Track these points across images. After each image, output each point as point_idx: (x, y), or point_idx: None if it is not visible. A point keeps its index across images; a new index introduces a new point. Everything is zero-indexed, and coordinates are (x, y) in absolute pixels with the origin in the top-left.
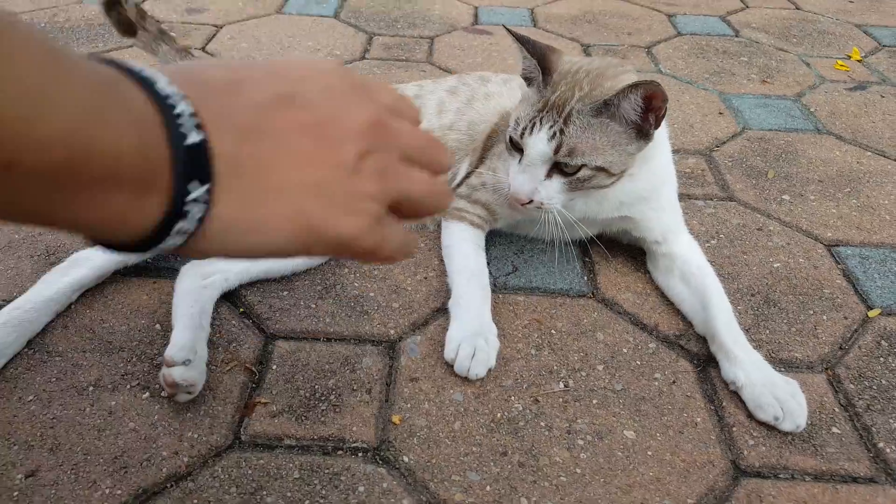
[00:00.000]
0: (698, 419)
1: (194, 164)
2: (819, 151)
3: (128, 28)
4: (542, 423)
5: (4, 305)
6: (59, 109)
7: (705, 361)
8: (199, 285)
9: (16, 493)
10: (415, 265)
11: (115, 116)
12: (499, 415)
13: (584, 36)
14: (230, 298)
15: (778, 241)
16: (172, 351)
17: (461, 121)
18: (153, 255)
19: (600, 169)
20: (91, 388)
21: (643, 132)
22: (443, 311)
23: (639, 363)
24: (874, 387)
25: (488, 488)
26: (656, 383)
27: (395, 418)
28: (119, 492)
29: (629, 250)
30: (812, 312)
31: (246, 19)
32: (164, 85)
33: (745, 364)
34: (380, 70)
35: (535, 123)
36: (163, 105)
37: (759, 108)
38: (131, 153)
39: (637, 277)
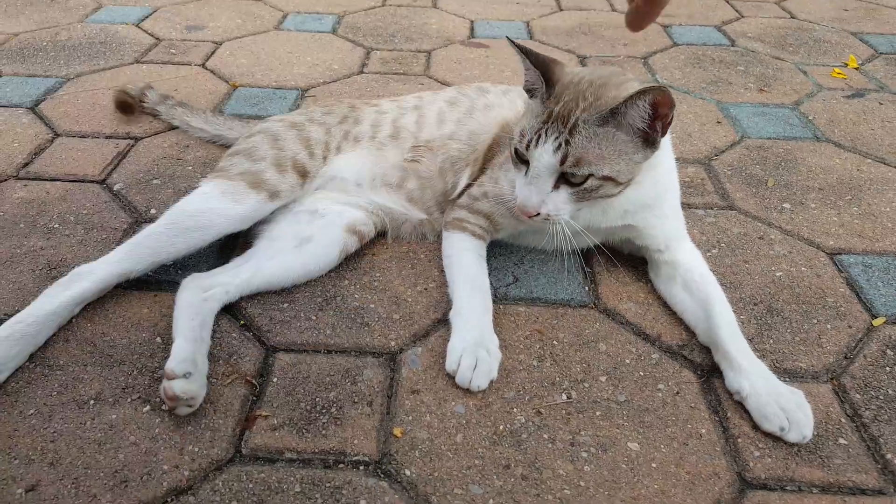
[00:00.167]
0: (703, 430)
1: None
2: (819, 159)
3: (126, 109)
4: (545, 436)
5: (6, 319)
6: None
7: (709, 371)
8: (199, 298)
9: None
10: (415, 276)
11: None
12: (501, 427)
13: (581, 47)
14: (231, 311)
15: (779, 249)
16: (173, 364)
17: (461, 131)
18: None
19: (607, 178)
20: (92, 402)
21: (649, 140)
22: (444, 323)
23: (642, 374)
24: (881, 396)
25: (491, 502)
26: (660, 394)
27: (397, 431)
28: None
29: (631, 260)
30: (816, 321)
31: (244, 36)
32: None
33: (749, 374)
34: (378, 84)
35: (540, 135)
36: None
37: (757, 116)
38: None
39: (639, 287)
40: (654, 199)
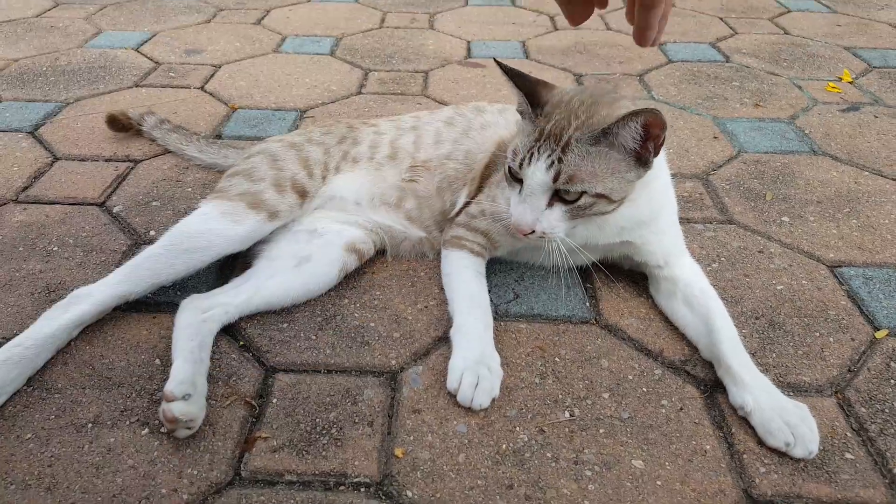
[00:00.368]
0: (707, 447)
1: None
2: (816, 172)
3: (117, 126)
4: (549, 454)
5: (5, 343)
6: None
7: (712, 387)
8: (198, 319)
9: None
10: (415, 294)
11: None
12: (504, 446)
13: (577, 66)
14: (230, 332)
15: (780, 262)
16: (172, 385)
17: (458, 150)
18: None
19: (600, 196)
20: (90, 425)
21: (642, 160)
22: (444, 341)
23: (645, 390)
24: (886, 410)
25: None
26: (663, 410)
27: (398, 451)
28: None
29: (631, 275)
30: (818, 335)
31: (243, 59)
32: None
33: (753, 388)
34: (376, 104)
35: (532, 153)
36: None
37: (753, 131)
38: None
39: (640, 303)
40: (650, 215)
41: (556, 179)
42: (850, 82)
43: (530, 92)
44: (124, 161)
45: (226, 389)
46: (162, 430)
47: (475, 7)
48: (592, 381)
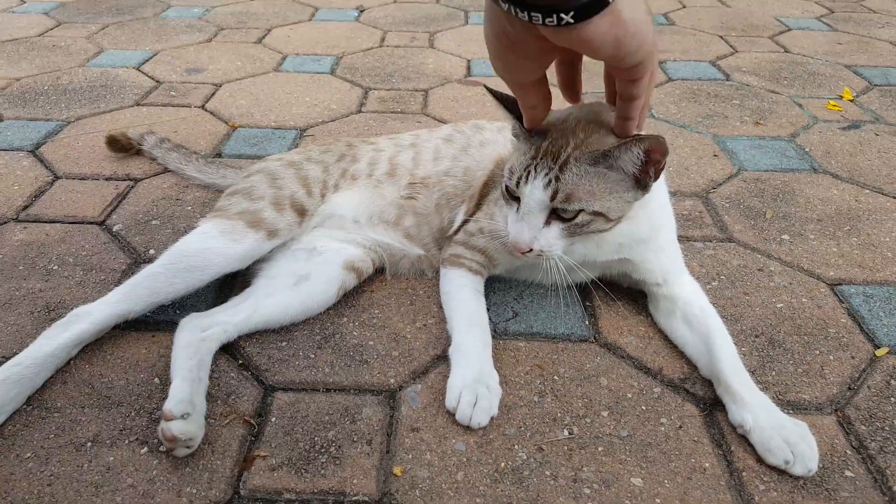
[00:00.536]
0: (707, 464)
1: None
2: (816, 190)
3: (116, 146)
4: (548, 472)
5: (4, 362)
6: None
7: (712, 405)
8: (197, 337)
9: None
10: (414, 312)
11: None
12: (503, 464)
13: None
14: (229, 350)
15: (779, 281)
16: (171, 404)
17: (457, 167)
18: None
19: (598, 214)
20: (89, 444)
21: (641, 183)
22: (443, 359)
23: (644, 408)
24: (886, 427)
25: None
26: (662, 428)
27: (397, 469)
28: None
29: (630, 293)
30: (818, 353)
31: (244, 78)
32: None
33: (752, 407)
34: (376, 122)
35: (529, 172)
36: None
37: (753, 149)
38: None
39: (639, 321)
40: (648, 233)
41: (553, 198)
42: (851, 100)
43: (520, 113)
44: (124, 180)
45: (225, 408)
46: (161, 449)
47: (475, 26)
48: (591, 399)
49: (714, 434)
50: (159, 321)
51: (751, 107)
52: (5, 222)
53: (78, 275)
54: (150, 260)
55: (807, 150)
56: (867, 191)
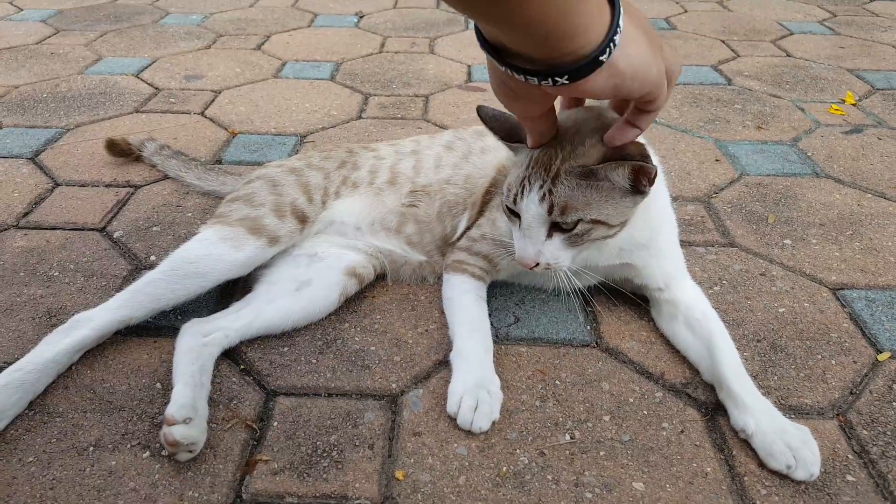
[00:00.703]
0: (708, 469)
1: (617, 24)
2: (818, 195)
3: (116, 151)
4: (549, 477)
5: (6, 367)
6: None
7: (713, 409)
8: (199, 343)
9: None
10: (416, 318)
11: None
12: (504, 469)
13: None
14: (230, 355)
15: (782, 285)
16: (173, 409)
17: (458, 175)
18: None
19: (597, 222)
20: (91, 449)
21: (637, 189)
22: (445, 364)
23: (646, 413)
24: (888, 432)
25: None
26: (664, 433)
27: (399, 474)
28: None
29: (632, 298)
30: (820, 357)
31: (243, 84)
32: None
33: (754, 411)
34: (376, 128)
35: (524, 186)
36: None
37: (755, 153)
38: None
39: (641, 325)
40: (648, 237)
41: (550, 211)
42: (854, 105)
43: (508, 134)
44: (125, 186)
45: (227, 413)
46: (163, 453)
47: None
48: (593, 403)
49: (716, 438)
50: (161, 327)
51: (753, 111)
52: (6, 229)
53: (79, 281)
54: (151, 266)
55: (809, 154)
56: (869, 195)
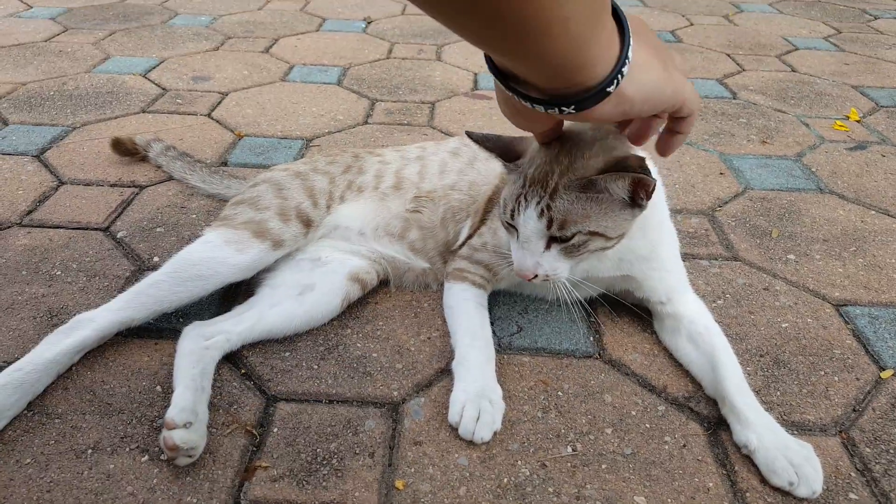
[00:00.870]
0: (710, 484)
1: (626, 55)
2: (822, 210)
3: (121, 149)
4: (550, 489)
5: (6, 367)
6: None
7: (716, 424)
8: (201, 346)
9: None
10: (418, 325)
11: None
12: (505, 480)
13: None
14: (231, 360)
15: (785, 300)
16: (173, 413)
17: (463, 181)
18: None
19: (595, 233)
20: (90, 451)
21: (635, 202)
22: (447, 372)
23: (648, 426)
24: (891, 450)
25: None
26: (666, 447)
27: (399, 483)
28: None
29: (635, 311)
30: (823, 373)
31: (250, 87)
32: (627, 22)
33: (757, 427)
34: (382, 134)
35: (520, 202)
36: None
37: (760, 168)
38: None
39: (644, 338)
40: (648, 249)
41: (549, 226)
42: (858, 121)
43: (505, 150)
44: (129, 186)
45: (227, 418)
46: (162, 457)
47: None
48: (595, 416)
49: (718, 453)
50: (162, 329)
51: (757, 125)
52: (9, 227)
53: (81, 281)
54: (155, 267)
55: (813, 169)
56: (873, 212)
